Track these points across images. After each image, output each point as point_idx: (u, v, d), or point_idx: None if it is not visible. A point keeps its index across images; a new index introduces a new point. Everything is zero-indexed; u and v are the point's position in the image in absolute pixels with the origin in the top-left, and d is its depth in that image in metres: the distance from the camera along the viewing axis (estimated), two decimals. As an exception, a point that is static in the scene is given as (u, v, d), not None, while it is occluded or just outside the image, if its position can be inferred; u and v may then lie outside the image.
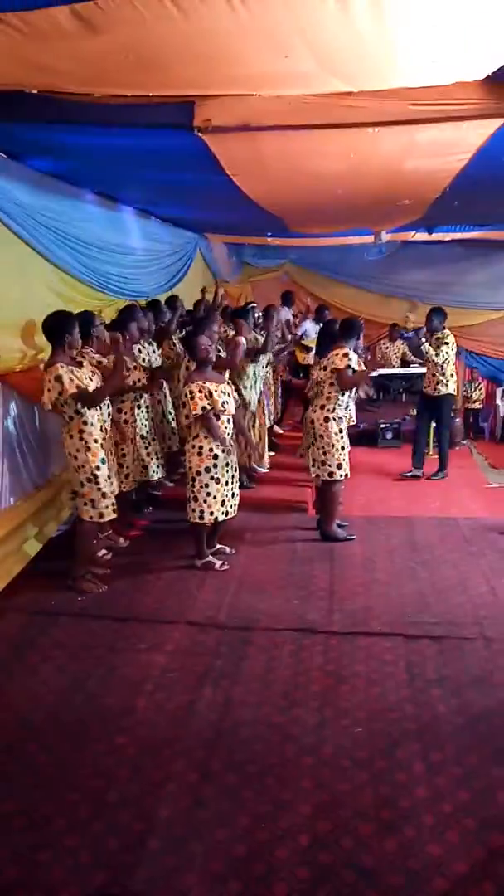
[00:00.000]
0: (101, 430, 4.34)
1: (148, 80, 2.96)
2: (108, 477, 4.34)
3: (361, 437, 8.51)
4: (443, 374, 6.78)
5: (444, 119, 3.20)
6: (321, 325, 9.60)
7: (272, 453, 7.86)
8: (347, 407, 5.24)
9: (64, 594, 4.37)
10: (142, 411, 5.47)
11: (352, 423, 7.93)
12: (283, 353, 7.26)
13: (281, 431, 8.51)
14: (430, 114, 3.15)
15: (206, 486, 4.57)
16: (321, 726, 3.07)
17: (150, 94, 3.15)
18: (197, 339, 4.66)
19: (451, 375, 6.83)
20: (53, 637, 3.88)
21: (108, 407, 4.75)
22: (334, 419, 5.10)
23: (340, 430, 5.13)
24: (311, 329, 9.51)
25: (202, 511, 4.61)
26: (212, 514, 4.63)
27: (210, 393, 4.49)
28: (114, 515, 4.45)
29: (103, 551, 5.03)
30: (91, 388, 4.20)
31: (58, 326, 4.26)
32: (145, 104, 3.22)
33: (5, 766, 2.82)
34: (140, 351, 5.54)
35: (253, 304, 8.04)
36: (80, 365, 4.31)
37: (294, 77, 2.93)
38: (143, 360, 5.60)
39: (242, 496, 6.34)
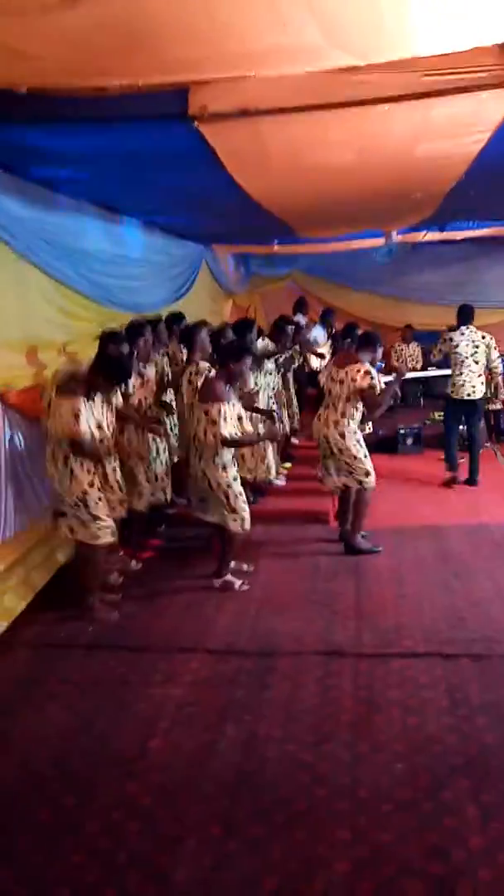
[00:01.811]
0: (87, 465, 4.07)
1: (138, 64, 2.72)
2: (99, 499, 4.04)
3: (381, 444, 8.21)
4: (479, 376, 6.50)
5: (461, 89, 2.92)
6: (326, 328, 9.43)
7: (288, 465, 7.61)
8: (361, 421, 4.98)
9: (74, 624, 4.10)
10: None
11: (369, 431, 7.70)
12: (289, 362, 6.97)
13: (297, 442, 8.23)
14: (445, 84, 2.87)
15: (240, 493, 4.41)
16: (355, 763, 2.76)
17: (141, 84, 2.93)
18: (241, 364, 4.46)
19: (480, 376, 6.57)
20: (62, 672, 3.60)
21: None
22: (349, 432, 4.85)
23: (358, 441, 4.90)
24: (320, 335, 9.24)
25: (243, 519, 4.40)
26: (247, 520, 4.44)
27: (240, 417, 4.38)
28: (111, 539, 4.12)
29: (115, 575, 4.75)
30: (95, 427, 4.01)
31: (112, 368, 4.07)
32: (136, 94, 2.98)
33: (5, 825, 2.54)
34: (145, 368, 5.29)
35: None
36: (94, 399, 4.09)
37: (295, 52, 2.67)
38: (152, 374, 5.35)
39: (259, 510, 6.11)
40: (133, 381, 4.97)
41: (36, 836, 2.47)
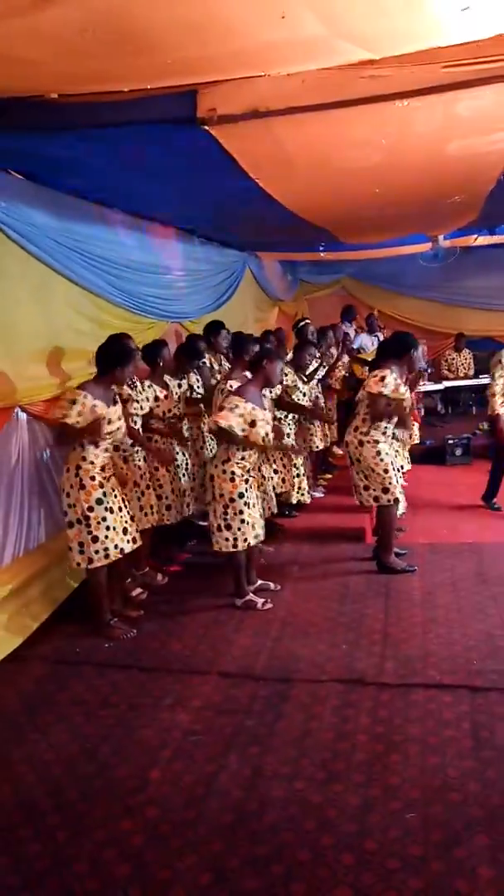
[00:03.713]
0: (102, 470, 3.98)
1: (141, 66, 2.61)
2: (103, 520, 3.91)
3: (428, 454, 7.93)
4: None
5: (485, 80, 2.71)
6: (373, 334, 9.17)
7: (329, 476, 7.40)
8: (385, 431, 4.68)
9: (91, 640, 4.03)
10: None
11: (416, 442, 7.41)
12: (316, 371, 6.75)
13: (340, 452, 8.00)
14: (467, 76, 2.67)
15: (241, 512, 4.18)
16: (365, 809, 2.55)
17: (150, 87, 2.83)
18: (274, 364, 4.32)
19: None
20: (72, 691, 3.51)
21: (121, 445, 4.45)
22: (369, 442, 4.59)
23: (378, 453, 4.61)
24: (367, 342, 9.00)
25: (236, 539, 4.19)
26: (245, 540, 4.22)
27: (254, 422, 4.12)
28: (104, 562, 3.95)
29: (138, 590, 4.67)
30: (106, 429, 3.90)
31: (111, 358, 3.98)
32: (146, 98, 2.88)
33: (-10, 858, 2.44)
34: (172, 378, 5.19)
35: (306, 321, 7.64)
36: (111, 401, 4.01)
37: (301, 47, 2.52)
38: (178, 385, 5.25)
39: (292, 525, 5.94)
40: (158, 392, 4.89)
41: (22, 872, 2.35)
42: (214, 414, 4.13)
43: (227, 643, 3.92)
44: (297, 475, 5.73)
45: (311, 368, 6.54)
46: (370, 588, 4.56)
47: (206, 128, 3.04)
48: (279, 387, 5.42)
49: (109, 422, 3.92)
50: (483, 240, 9.03)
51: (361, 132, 3.29)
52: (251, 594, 4.40)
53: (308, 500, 5.92)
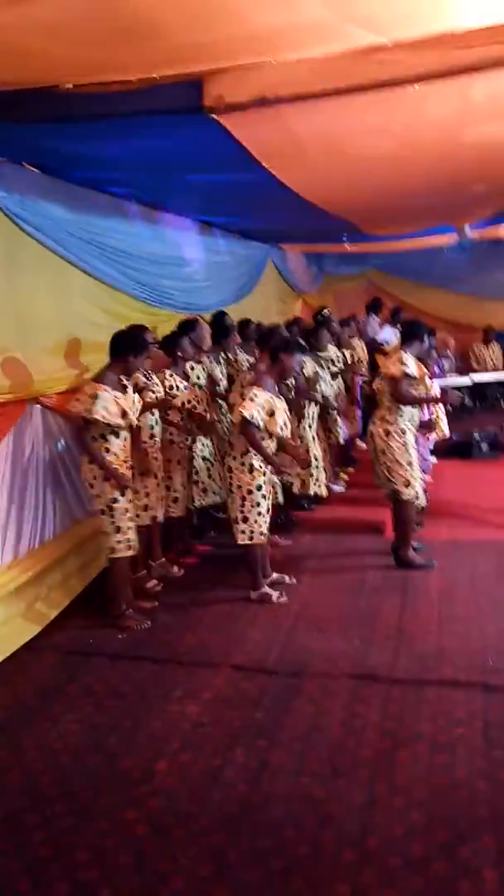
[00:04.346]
0: (124, 462, 4.00)
1: (147, 53, 2.59)
2: (126, 511, 3.96)
3: (454, 449, 7.79)
4: None
5: (497, 63, 2.62)
6: (397, 327, 9.05)
7: (351, 469, 7.34)
8: (413, 418, 4.62)
9: (105, 631, 4.04)
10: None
11: (444, 436, 7.30)
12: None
13: (364, 446, 7.93)
14: (478, 59, 2.59)
15: (258, 504, 4.18)
16: (369, 806, 2.51)
17: (157, 76, 2.81)
18: (291, 357, 4.31)
19: None
20: (83, 682, 3.53)
21: (148, 430, 4.45)
22: (396, 432, 4.52)
23: (405, 444, 4.54)
24: (390, 335, 8.88)
25: (252, 531, 4.18)
26: (262, 533, 4.22)
27: (273, 412, 4.11)
28: (129, 553, 4.03)
29: (153, 582, 4.68)
30: (122, 421, 3.91)
31: (125, 345, 4.00)
32: (151, 87, 2.86)
33: (-5, 844, 2.47)
34: (192, 369, 5.19)
35: (327, 312, 7.57)
36: (124, 389, 4.01)
37: (308, 32, 2.48)
38: (197, 377, 5.24)
39: (311, 518, 5.90)
40: (178, 382, 4.89)
41: (25, 859, 2.37)
42: (237, 404, 4.11)
43: (241, 636, 3.90)
44: (315, 467, 5.68)
45: (330, 358, 6.50)
46: (387, 583, 4.51)
47: (214, 116, 3.01)
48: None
49: (124, 414, 3.93)
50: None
51: (374, 119, 3.23)
52: (266, 587, 4.37)
53: (325, 493, 5.88)
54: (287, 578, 4.58)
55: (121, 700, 3.34)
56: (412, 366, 4.44)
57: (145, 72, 2.75)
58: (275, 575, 4.56)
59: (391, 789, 2.59)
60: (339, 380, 6.95)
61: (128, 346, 4.00)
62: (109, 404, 3.84)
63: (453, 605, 4.11)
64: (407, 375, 4.42)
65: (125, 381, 4.03)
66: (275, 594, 4.34)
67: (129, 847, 2.39)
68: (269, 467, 4.21)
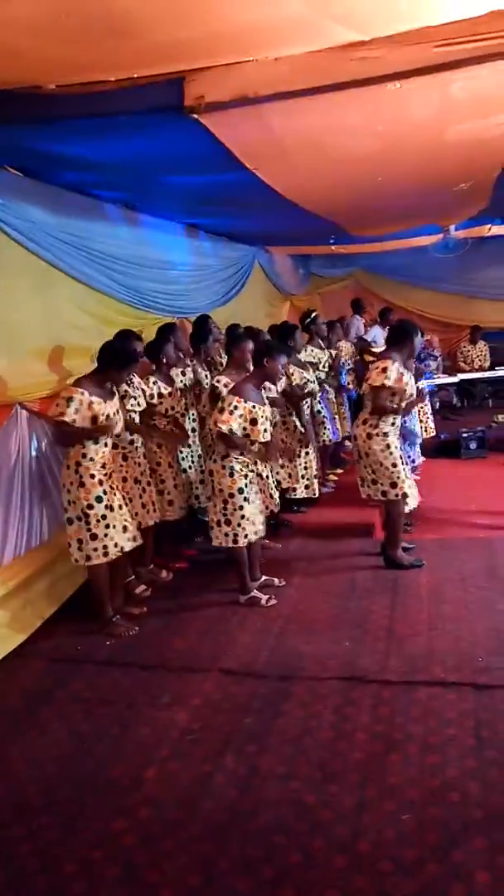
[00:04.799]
0: (103, 467, 3.95)
1: (124, 51, 2.56)
2: (103, 517, 3.88)
3: (443, 448, 7.81)
4: None
5: (480, 59, 2.62)
6: (385, 328, 9.05)
7: (339, 471, 7.33)
8: (395, 422, 4.58)
9: (93, 638, 4.00)
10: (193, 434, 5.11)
11: (431, 434, 7.29)
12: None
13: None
14: (460, 54, 2.58)
15: (241, 507, 4.13)
16: (360, 810, 2.49)
17: (137, 76, 2.78)
18: (275, 362, 4.23)
19: None
20: (71, 689, 3.49)
21: (125, 439, 4.41)
22: (377, 435, 4.50)
23: (388, 447, 4.51)
24: (379, 335, 8.89)
25: (236, 535, 4.15)
26: (246, 536, 4.17)
27: (255, 420, 4.06)
28: (102, 560, 3.91)
29: (142, 587, 4.64)
30: (88, 425, 3.84)
31: (110, 357, 3.95)
32: (132, 87, 2.83)
33: (-20, 856, 2.42)
34: (176, 374, 5.15)
35: (314, 314, 7.55)
36: (110, 395, 3.97)
37: (287, 29, 2.45)
38: (181, 382, 5.20)
39: (300, 520, 5.88)
40: (162, 389, 4.85)
41: (9, 871, 2.33)
42: (214, 417, 4.07)
43: (230, 640, 3.87)
44: (306, 467, 5.66)
45: (318, 360, 6.49)
46: (377, 584, 4.49)
47: (195, 116, 2.98)
48: (282, 382, 5.35)
49: (108, 417, 3.89)
50: (497, 229, 8.88)
51: (355, 118, 3.22)
52: (255, 591, 4.34)
53: (316, 495, 5.85)
54: (276, 581, 4.55)
55: (109, 707, 3.29)
56: (393, 377, 4.40)
57: (125, 71, 2.73)
58: (263, 578, 4.53)
59: (382, 792, 2.57)
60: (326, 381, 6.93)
61: (112, 358, 3.95)
62: (83, 408, 3.80)
63: (443, 605, 4.10)
64: (386, 387, 4.39)
65: (110, 386, 3.99)
66: (264, 597, 4.31)
67: (117, 858, 2.36)
68: (252, 468, 4.18)
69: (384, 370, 4.38)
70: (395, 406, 4.48)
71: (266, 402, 4.29)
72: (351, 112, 3.14)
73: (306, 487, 5.67)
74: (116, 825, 2.51)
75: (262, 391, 4.35)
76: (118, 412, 4.02)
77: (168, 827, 2.48)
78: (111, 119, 3.23)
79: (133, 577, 4.63)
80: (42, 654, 3.87)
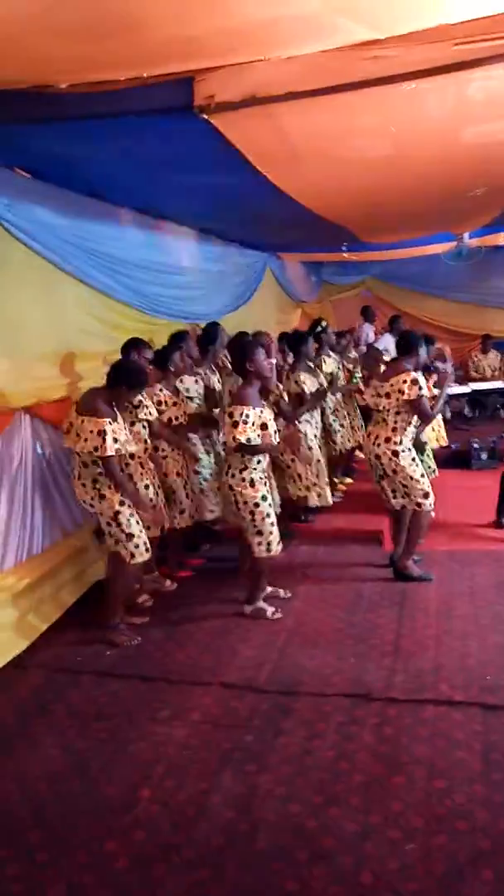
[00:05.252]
0: (110, 486, 3.88)
1: (130, 49, 2.49)
2: (132, 516, 3.88)
3: (453, 458, 7.69)
4: None
5: (499, 58, 2.53)
6: (396, 335, 8.96)
7: (349, 480, 7.22)
8: (411, 436, 4.52)
9: (93, 648, 3.91)
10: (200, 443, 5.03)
11: (444, 445, 7.18)
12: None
13: (363, 456, 7.82)
14: (479, 53, 2.49)
15: (269, 515, 4.08)
16: (362, 838, 2.38)
17: (146, 75, 2.72)
18: (256, 356, 4.09)
19: None
20: (68, 701, 3.40)
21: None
22: (403, 451, 4.42)
23: (413, 460, 4.47)
24: (390, 343, 8.79)
25: (269, 542, 4.09)
26: (278, 543, 4.14)
27: (265, 425, 4.02)
28: (146, 556, 3.97)
29: (145, 596, 4.55)
30: (114, 447, 3.76)
31: (122, 376, 3.87)
32: (141, 86, 2.77)
33: (-35, 879, 2.33)
34: (181, 382, 5.06)
35: (325, 323, 7.47)
36: (115, 417, 3.89)
37: (299, 27, 2.38)
38: (187, 390, 5.11)
39: (308, 529, 5.77)
40: (166, 397, 4.75)
41: (-4, 895, 2.25)
42: (228, 432, 3.98)
43: (232, 653, 3.77)
44: (318, 476, 5.57)
45: (329, 370, 6.41)
46: (384, 597, 4.38)
47: (205, 116, 2.91)
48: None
49: (115, 440, 3.80)
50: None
51: (369, 119, 3.13)
52: (261, 602, 4.25)
53: (329, 504, 5.76)
54: (282, 592, 4.46)
55: (106, 721, 3.20)
56: (424, 384, 4.38)
57: (135, 70, 2.66)
58: (269, 589, 4.43)
59: (385, 819, 2.46)
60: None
61: (124, 378, 3.87)
62: (120, 436, 3.78)
63: (451, 620, 3.99)
64: (422, 397, 4.33)
65: (114, 410, 3.90)
66: (270, 609, 4.21)
67: (107, 883, 2.26)
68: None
69: (415, 382, 4.29)
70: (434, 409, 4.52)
71: (264, 404, 4.20)
72: (363, 112, 3.06)
73: (318, 496, 5.58)
74: (108, 847, 2.42)
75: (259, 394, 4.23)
76: (125, 429, 3.95)
77: (162, 850, 2.38)
78: (120, 120, 3.17)
79: (137, 586, 4.54)
80: (40, 664, 3.78)
